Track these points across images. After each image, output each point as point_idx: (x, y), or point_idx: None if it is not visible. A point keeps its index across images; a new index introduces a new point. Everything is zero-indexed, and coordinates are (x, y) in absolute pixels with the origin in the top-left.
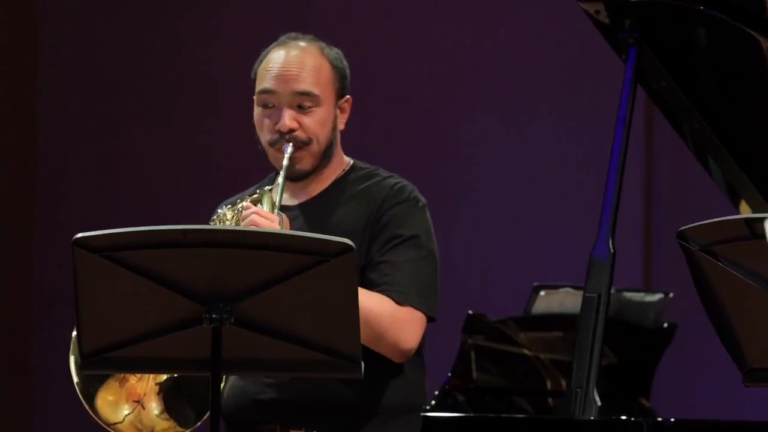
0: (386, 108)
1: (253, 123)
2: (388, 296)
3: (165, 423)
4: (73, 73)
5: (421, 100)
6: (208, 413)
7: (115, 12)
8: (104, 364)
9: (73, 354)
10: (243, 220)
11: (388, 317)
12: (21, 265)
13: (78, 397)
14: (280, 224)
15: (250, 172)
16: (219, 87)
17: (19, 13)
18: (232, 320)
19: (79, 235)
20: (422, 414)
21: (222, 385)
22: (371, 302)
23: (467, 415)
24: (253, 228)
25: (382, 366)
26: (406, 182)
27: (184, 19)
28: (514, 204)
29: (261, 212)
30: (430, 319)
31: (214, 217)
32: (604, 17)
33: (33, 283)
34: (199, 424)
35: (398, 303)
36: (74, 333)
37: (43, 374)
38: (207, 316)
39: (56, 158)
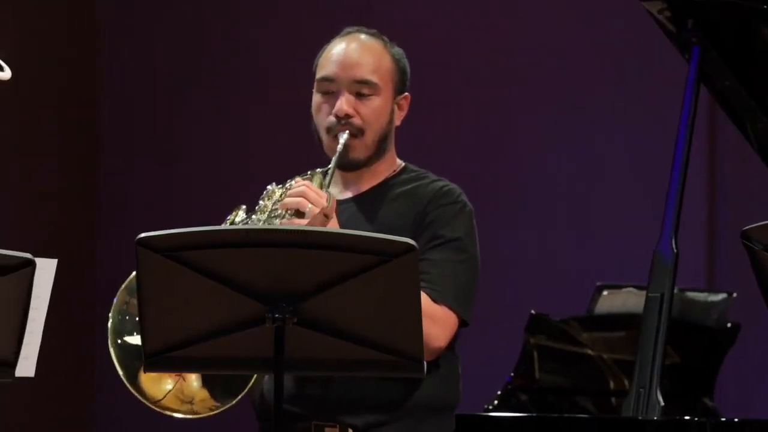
0: (447, 109)
1: (311, 112)
2: (425, 293)
3: (203, 393)
4: (133, 76)
5: (482, 101)
6: (245, 391)
7: (173, 17)
8: (167, 363)
9: (112, 344)
10: (291, 191)
11: (422, 312)
12: (84, 265)
13: (132, 394)
14: (327, 201)
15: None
16: (274, 90)
17: (80, 20)
18: (295, 320)
19: (143, 235)
20: (457, 413)
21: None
22: None
23: (523, 415)
24: (315, 228)
25: None
26: (454, 186)
27: (241, 22)
28: (578, 203)
29: (310, 186)
30: (463, 323)
31: (264, 194)
32: (667, 16)
33: (96, 282)
34: (235, 402)
35: (434, 301)
36: (110, 324)
37: (104, 373)
38: (270, 315)
39: (118, 160)
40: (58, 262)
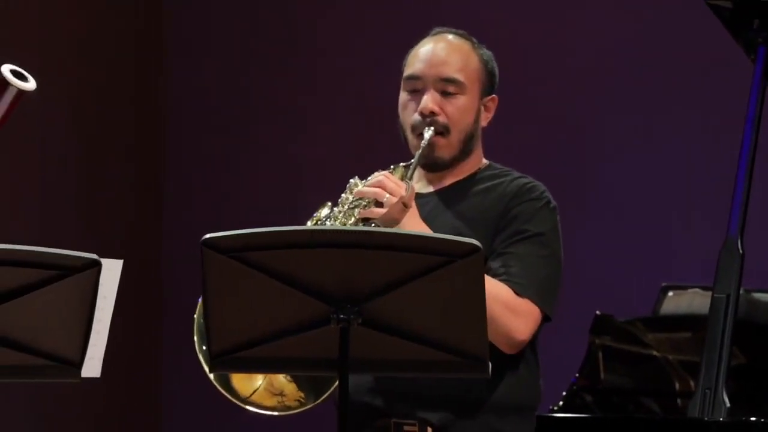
0: (514, 108)
1: (397, 111)
2: (508, 286)
3: (291, 386)
4: (199, 75)
5: (550, 102)
6: (331, 390)
7: (238, 17)
8: (232, 364)
9: (199, 350)
10: (370, 182)
11: (504, 304)
12: (150, 266)
13: (200, 393)
14: (405, 191)
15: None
16: (343, 89)
17: (146, 22)
18: (360, 320)
19: (208, 235)
20: (539, 414)
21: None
22: (488, 285)
23: (590, 415)
24: (380, 229)
25: (496, 363)
26: (538, 183)
27: (306, 21)
28: (643, 204)
29: (389, 176)
30: (545, 319)
31: (346, 187)
32: (732, 16)
33: (162, 283)
34: (320, 401)
35: (517, 294)
36: (195, 327)
37: (170, 373)
38: (334, 316)
39: (184, 161)
40: (124, 263)
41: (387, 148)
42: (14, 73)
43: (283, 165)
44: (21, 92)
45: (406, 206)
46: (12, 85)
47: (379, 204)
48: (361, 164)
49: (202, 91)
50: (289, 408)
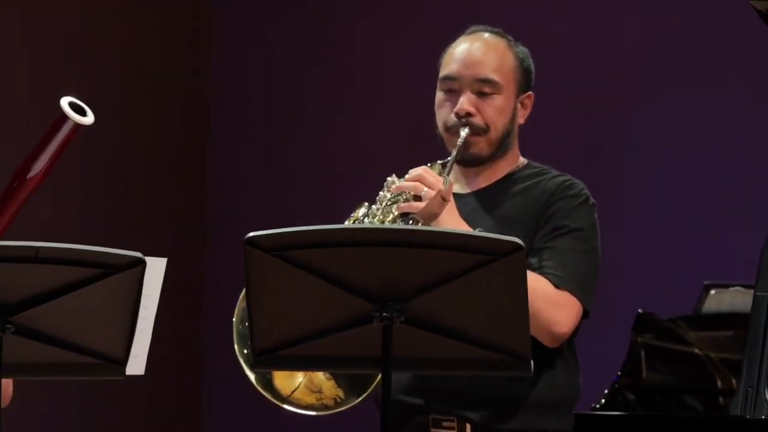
0: (551, 108)
1: (433, 110)
2: (548, 279)
3: (330, 383)
4: (242, 75)
5: (586, 101)
6: (370, 389)
7: (283, 17)
8: (275, 362)
9: (239, 352)
10: (408, 176)
11: (544, 296)
12: (193, 265)
13: (240, 392)
14: (444, 185)
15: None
16: (385, 88)
17: (191, 22)
18: (402, 319)
19: (252, 234)
20: (577, 413)
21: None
22: (528, 279)
23: (631, 414)
24: (422, 227)
25: (536, 360)
26: (577, 180)
27: (347, 21)
28: (685, 203)
29: (427, 170)
30: (585, 314)
31: (384, 185)
32: None
33: (205, 281)
34: (360, 400)
35: (556, 286)
36: (234, 331)
37: (212, 371)
38: (377, 314)
39: (227, 160)
40: (168, 261)
41: (425, 147)
42: (73, 105)
43: (324, 164)
44: (78, 126)
45: (444, 200)
46: (70, 118)
47: (417, 198)
48: (399, 163)
49: (245, 90)
50: (326, 407)
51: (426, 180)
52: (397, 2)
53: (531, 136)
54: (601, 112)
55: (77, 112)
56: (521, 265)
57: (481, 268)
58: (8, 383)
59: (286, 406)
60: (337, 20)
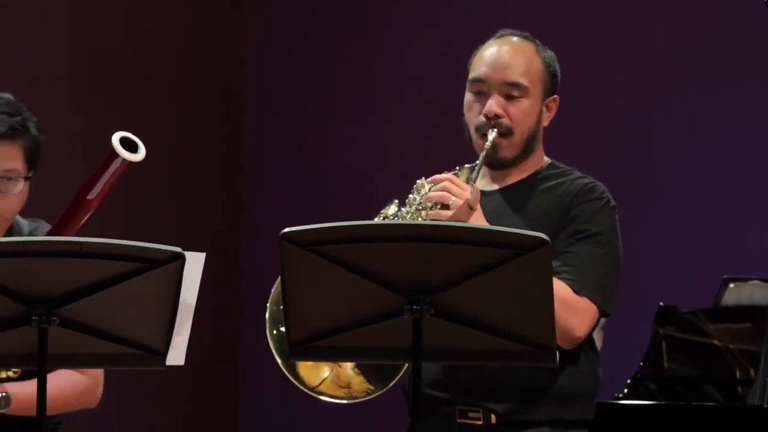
0: (579, 107)
1: (463, 111)
2: (567, 284)
3: (359, 378)
4: (277, 73)
5: (613, 99)
6: (397, 378)
7: (318, 17)
8: (309, 352)
9: (269, 333)
10: (437, 184)
11: (562, 302)
12: (230, 259)
13: (277, 381)
14: (471, 194)
15: (448, 168)
16: (416, 89)
17: (229, 20)
18: (432, 311)
19: (287, 230)
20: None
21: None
22: None
23: (653, 403)
24: (452, 223)
25: (558, 353)
26: (598, 183)
27: (377, 24)
28: (705, 200)
29: (454, 180)
30: (604, 314)
31: (413, 188)
32: None
33: (240, 275)
34: (387, 388)
35: (575, 292)
36: (267, 314)
37: (248, 361)
38: (408, 307)
39: (262, 157)
40: (207, 256)
41: (452, 146)
42: (125, 140)
43: (354, 163)
44: (128, 163)
45: (471, 208)
46: (120, 156)
47: (446, 206)
48: (428, 161)
49: (281, 87)
50: (355, 398)
51: (452, 190)
52: (426, 5)
53: (556, 134)
54: (624, 110)
55: (129, 148)
56: (547, 260)
57: (508, 263)
58: (97, 384)
59: (315, 395)
60: (366, 24)
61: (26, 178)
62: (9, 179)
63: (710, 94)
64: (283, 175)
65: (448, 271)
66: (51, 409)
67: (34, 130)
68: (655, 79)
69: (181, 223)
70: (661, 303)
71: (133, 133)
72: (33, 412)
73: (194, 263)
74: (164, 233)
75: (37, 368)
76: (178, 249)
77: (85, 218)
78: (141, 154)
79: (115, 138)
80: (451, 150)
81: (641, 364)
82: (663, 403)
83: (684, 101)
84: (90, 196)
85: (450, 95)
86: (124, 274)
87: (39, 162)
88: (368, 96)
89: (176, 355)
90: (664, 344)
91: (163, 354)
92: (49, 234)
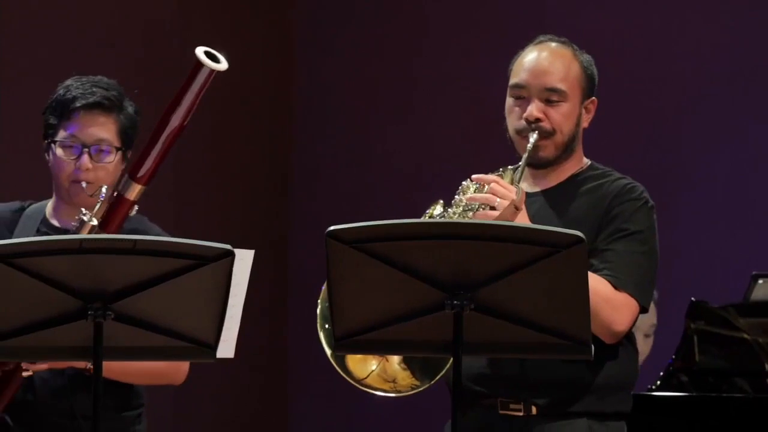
0: (613, 108)
1: (504, 114)
2: (608, 280)
3: (405, 373)
4: (326, 76)
5: (645, 100)
6: (442, 373)
7: (363, 22)
8: (354, 345)
9: (321, 328)
10: (482, 185)
11: (603, 297)
12: (278, 256)
13: (324, 374)
14: (516, 194)
15: (490, 169)
16: (460, 92)
17: (278, 20)
18: (472, 306)
19: (333, 227)
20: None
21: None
22: (589, 280)
23: (685, 394)
24: (492, 221)
25: (597, 348)
26: (637, 184)
27: (422, 28)
28: (736, 197)
29: (500, 181)
30: (642, 310)
31: (459, 189)
32: None
33: (288, 271)
34: (433, 383)
35: (615, 288)
36: (318, 309)
37: (296, 356)
38: (449, 302)
39: (311, 156)
40: (256, 253)
41: (495, 147)
42: (207, 54)
43: (399, 163)
44: (213, 72)
45: (517, 209)
46: (205, 65)
47: (492, 207)
48: (471, 162)
49: (329, 88)
50: (400, 392)
51: (497, 192)
52: (468, 12)
53: (595, 136)
54: (660, 110)
55: (212, 60)
56: (582, 257)
57: (545, 259)
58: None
59: (364, 388)
60: (409, 30)
61: (118, 150)
62: (101, 151)
63: (741, 94)
64: (329, 176)
65: (487, 268)
66: (137, 377)
67: (129, 109)
68: (688, 80)
69: (231, 222)
70: (692, 298)
71: (189, 137)
72: (114, 375)
73: (244, 260)
74: (215, 232)
75: (92, 362)
76: (228, 246)
77: (172, 139)
78: (224, 64)
79: (200, 50)
80: (493, 150)
81: (673, 357)
82: (694, 394)
83: (715, 102)
84: (176, 116)
85: (492, 95)
86: (176, 271)
87: (133, 142)
88: (413, 100)
89: (226, 348)
90: (695, 338)
91: (214, 347)
92: (138, 157)
